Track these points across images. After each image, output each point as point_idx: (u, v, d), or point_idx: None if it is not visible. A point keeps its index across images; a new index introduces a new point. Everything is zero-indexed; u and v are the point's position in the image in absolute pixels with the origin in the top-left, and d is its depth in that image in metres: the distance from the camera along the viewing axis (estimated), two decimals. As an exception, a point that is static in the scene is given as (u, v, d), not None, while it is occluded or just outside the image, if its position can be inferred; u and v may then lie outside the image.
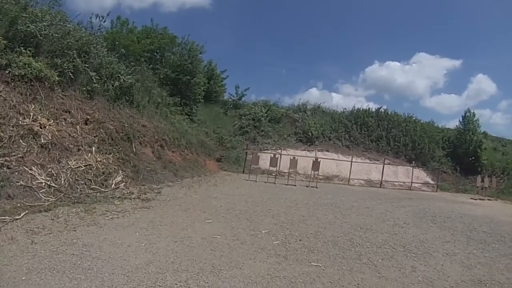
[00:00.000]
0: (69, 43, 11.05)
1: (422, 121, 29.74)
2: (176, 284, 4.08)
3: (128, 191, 9.05)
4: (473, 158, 25.43)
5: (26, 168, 7.21)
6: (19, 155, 7.34)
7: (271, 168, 18.20)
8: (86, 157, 9.14)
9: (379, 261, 5.96)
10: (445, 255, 6.75)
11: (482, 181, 21.46)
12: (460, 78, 70.77)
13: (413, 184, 22.72)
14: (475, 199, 18.37)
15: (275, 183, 16.41)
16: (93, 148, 9.72)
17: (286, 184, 16.48)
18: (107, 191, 8.55)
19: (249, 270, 4.74)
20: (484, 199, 18.78)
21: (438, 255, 6.68)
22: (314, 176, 18.37)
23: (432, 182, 23.98)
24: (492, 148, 28.01)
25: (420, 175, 24.47)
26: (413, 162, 23.98)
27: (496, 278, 5.53)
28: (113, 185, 9.06)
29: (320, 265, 5.37)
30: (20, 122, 8.08)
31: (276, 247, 5.98)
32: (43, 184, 7.21)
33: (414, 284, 5.07)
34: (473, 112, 27.68)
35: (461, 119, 28.01)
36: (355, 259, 5.97)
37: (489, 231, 9.13)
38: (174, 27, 57.42)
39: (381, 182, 22.11)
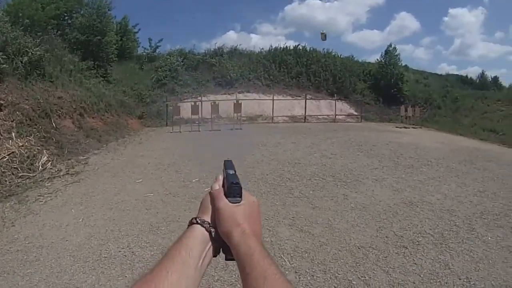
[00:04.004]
0: (-34, 30, 9.47)
1: (342, 56, 30.66)
2: (119, 251, 4.15)
3: (56, 169, 8.56)
4: (395, 89, 26.90)
5: (-51, 179, 6.45)
6: None
7: (193, 117, 17.89)
8: (8, 145, 8.43)
9: (310, 193, 6.01)
10: (374, 181, 6.91)
11: (406, 110, 22.30)
12: (383, 15, 73.24)
13: (337, 116, 23.36)
14: (400, 128, 19.06)
15: (199, 131, 16.36)
16: (13, 134, 8.95)
17: (210, 130, 16.52)
18: (35, 175, 7.99)
19: (186, 221, 4.34)
20: (408, 127, 19.46)
21: (367, 182, 6.83)
22: (237, 118, 18.46)
23: (356, 113, 24.90)
24: (414, 80, 30.02)
25: (344, 107, 25.28)
26: (335, 95, 24.56)
27: (426, 199, 5.74)
28: (40, 167, 8.48)
29: (253, 203, 5.12)
30: None
31: (208, 194, 5.78)
32: (-29, 188, 6.55)
33: (347, 210, 5.10)
34: (395, 47, 29.05)
35: (383, 54, 29.24)
36: (287, 193, 6.02)
37: (416, 157, 9.37)
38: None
39: (305, 117, 22.62)
